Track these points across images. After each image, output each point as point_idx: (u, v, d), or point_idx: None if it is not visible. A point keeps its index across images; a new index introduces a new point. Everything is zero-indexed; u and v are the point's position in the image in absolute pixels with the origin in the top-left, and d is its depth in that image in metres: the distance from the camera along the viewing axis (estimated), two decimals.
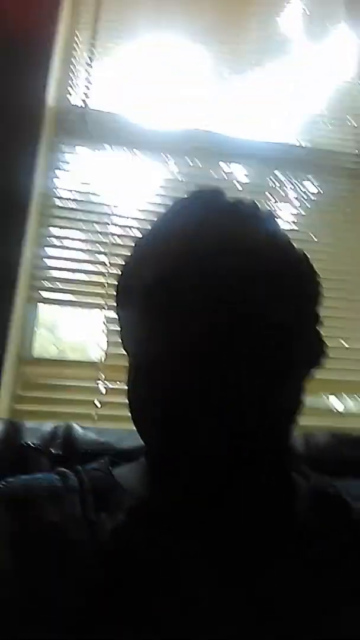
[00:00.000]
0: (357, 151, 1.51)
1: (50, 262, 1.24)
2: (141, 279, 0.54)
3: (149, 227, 0.59)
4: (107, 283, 1.23)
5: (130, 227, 1.30)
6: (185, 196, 0.58)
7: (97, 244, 1.27)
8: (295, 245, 0.57)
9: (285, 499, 0.52)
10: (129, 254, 0.60)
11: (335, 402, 1.28)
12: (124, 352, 0.59)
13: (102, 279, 1.24)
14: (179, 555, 0.45)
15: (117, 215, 1.30)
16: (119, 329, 0.60)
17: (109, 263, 1.25)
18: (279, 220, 0.59)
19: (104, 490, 0.52)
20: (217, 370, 0.46)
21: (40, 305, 1.23)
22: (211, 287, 0.48)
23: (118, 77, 1.42)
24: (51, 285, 1.22)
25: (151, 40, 1.46)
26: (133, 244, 0.60)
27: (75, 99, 1.37)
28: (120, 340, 0.60)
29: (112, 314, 1.17)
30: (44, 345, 1.28)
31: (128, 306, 0.57)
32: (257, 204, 0.57)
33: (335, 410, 1.27)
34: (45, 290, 1.22)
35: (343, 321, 1.33)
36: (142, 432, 0.52)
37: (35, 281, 1.21)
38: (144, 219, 1.31)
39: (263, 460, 0.50)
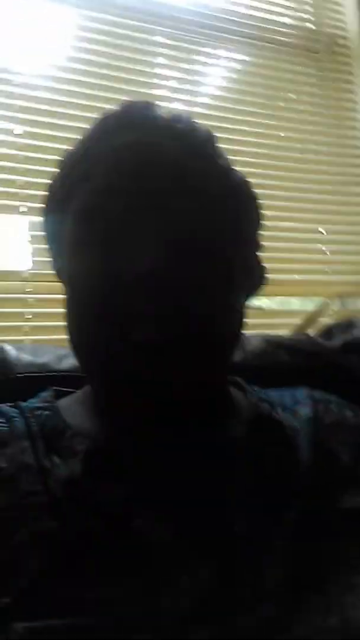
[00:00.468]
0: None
1: None
2: (74, 203, 0.51)
3: (79, 141, 0.54)
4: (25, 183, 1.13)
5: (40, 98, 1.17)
6: (116, 110, 0.53)
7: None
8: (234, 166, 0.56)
9: (226, 425, 0.53)
10: (58, 169, 0.55)
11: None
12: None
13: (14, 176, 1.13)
14: (134, 500, 0.45)
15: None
16: (46, 245, 0.58)
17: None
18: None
19: (54, 432, 0.50)
20: (160, 296, 0.45)
21: None
22: (147, 209, 0.47)
23: None
24: None
25: None
26: (62, 159, 0.55)
27: None
28: (50, 257, 0.58)
29: (33, 219, 1.10)
30: None
31: (61, 229, 0.53)
32: (194, 122, 0.54)
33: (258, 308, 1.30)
34: None
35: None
36: (85, 364, 0.51)
37: None
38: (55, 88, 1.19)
39: (205, 384, 0.50)
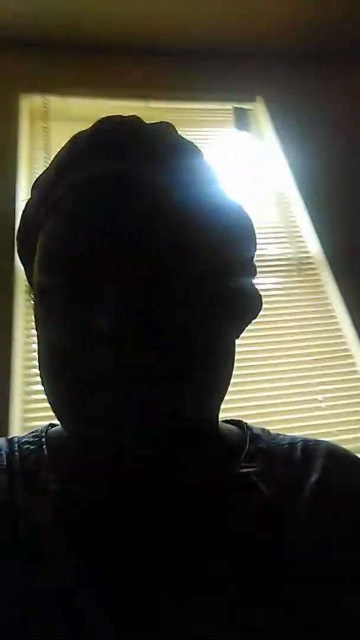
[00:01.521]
0: None
1: None
2: (40, 238, 0.47)
3: (51, 165, 0.49)
4: None
5: None
6: (89, 130, 0.48)
7: None
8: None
9: (204, 491, 0.46)
10: (30, 196, 0.51)
11: None
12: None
13: None
14: (80, 575, 0.41)
15: None
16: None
17: None
18: None
19: (34, 467, 0.47)
20: (128, 354, 0.40)
21: None
22: (116, 252, 0.42)
23: None
24: None
25: None
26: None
27: None
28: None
29: None
30: None
31: (30, 266, 0.49)
32: (178, 138, 0.49)
33: None
34: None
35: None
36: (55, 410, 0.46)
37: None
38: None
39: (187, 436, 0.44)
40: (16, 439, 0.51)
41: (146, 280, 0.42)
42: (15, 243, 0.51)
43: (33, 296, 0.48)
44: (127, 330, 0.39)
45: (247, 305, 0.51)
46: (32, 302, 0.48)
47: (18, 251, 0.51)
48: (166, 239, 0.43)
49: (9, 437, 0.52)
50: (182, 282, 0.43)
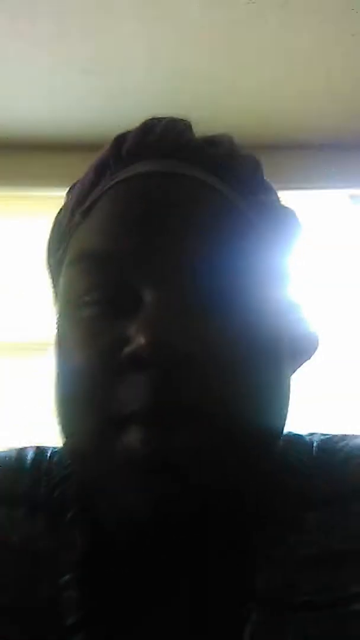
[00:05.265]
0: None
1: None
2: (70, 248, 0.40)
3: (87, 170, 0.42)
4: None
5: None
6: (133, 131, 0.41)
7: None
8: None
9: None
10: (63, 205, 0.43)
11: None
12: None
13: None
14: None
15: None
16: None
17: None
18: None
19: (61, 505, 0.40)
20: (163, 384, 0.32)
21: None
22: (154, 258, 0.35)
23: None
24: None
25: None
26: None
27: None
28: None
29: None
30: None
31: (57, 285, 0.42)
32: (235, 147, 0.41)
33: None
34: None
35: None
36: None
37: None
38: None
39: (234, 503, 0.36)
40: (49, 453, 0.43)
41: (193, 291, 0.35)
42: (45, 255, 0.44)
43: (57, 315, 0.40)
44: (166, 350, 0.31)
45: (311, 342, 0.42)
46: (56, 323, 0.41)
47: (46, 262, 0.44)
48: (217, 254, 0.35)
49: (40, 445, 0.44)
50: (233, 302, 0.36)
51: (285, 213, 0.42)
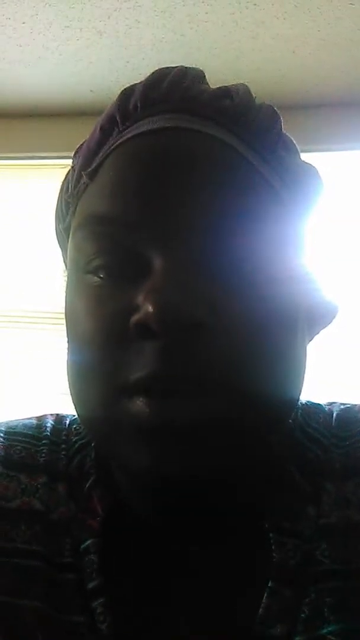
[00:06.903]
0: None
1: None
2: (77, 211, 0.39)
3: (94, 128, 0.40)
4: None
5: None
6: (142, 82, 0.38)
7: None
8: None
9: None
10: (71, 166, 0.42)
11: None
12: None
13: None
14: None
15: None
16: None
17: None
18: None
19: (79, 473, 0.41)
20: (180, 351, 0.32)
21: None
22: (167, 215, 0.34)
23: None
24: None
25: None
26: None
27: None
28: None
29: None
30: None
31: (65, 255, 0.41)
32: (252, 99, 0.38)
33: None
34: None
35: None
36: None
37: None
38: None
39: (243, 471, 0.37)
40: (67, 421, 0.44)
41: (205, 251, 0.33)
42: (55, 221, 0.43)
43: (66, 283, 0.39)
44: (174, 317, 0.30)
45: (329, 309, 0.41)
46: (65, 291, 0.40)
47: (55, 230, 0.43)
48: (236, 212, 0.34)
49: (59, 413, 0.45)
50: (248, 270, 0.34)
51: (306, 171, 0.40)
